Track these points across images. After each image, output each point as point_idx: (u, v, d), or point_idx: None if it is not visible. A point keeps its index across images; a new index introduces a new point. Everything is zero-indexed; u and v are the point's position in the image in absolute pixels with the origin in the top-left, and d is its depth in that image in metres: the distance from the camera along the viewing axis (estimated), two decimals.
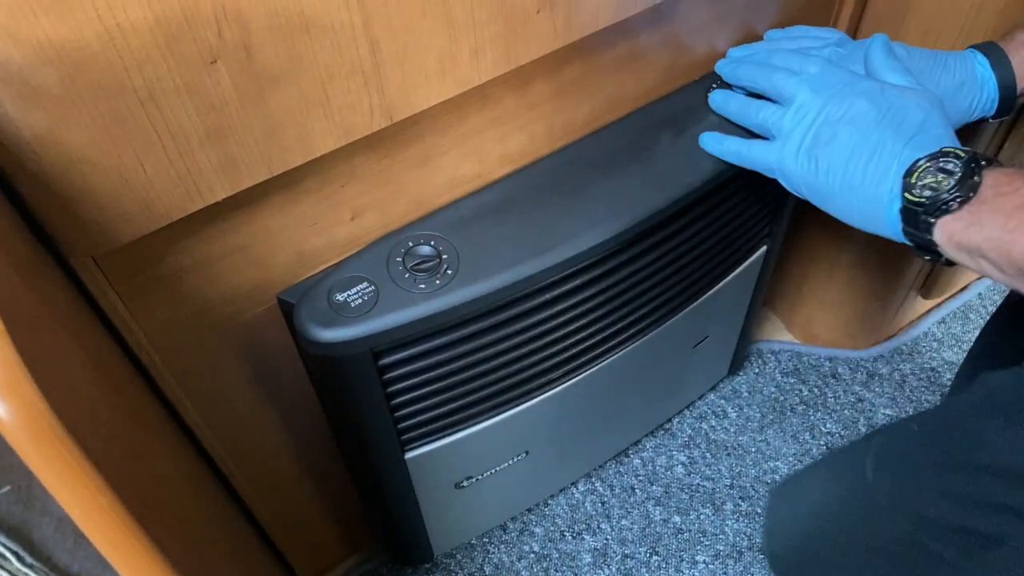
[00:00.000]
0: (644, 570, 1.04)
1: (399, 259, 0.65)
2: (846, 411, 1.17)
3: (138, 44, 0.42)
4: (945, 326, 1.25)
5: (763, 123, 0.67)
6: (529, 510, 1.09)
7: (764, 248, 0.93)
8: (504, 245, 0.66)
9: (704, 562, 1.05)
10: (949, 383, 1.20)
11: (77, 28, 0.40)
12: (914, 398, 1.18)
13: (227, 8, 0.44)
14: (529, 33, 0.58)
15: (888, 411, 1.17)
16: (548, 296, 0.70)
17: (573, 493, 1.10)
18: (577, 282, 0.71)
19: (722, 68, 0.74)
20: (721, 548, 1.05)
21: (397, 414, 0.73)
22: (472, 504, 0.95)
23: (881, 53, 0.67)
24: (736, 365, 1.17)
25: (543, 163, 0.71)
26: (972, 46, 0.70)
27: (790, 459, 1.12)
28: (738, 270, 0.91)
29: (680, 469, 1.12)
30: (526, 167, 0.70)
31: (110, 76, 0.43)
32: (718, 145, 0.71)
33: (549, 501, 1.09)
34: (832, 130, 0.62)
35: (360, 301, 0.63)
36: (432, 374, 0.70)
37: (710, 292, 0.89)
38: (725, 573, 1.04)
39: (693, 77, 0.77)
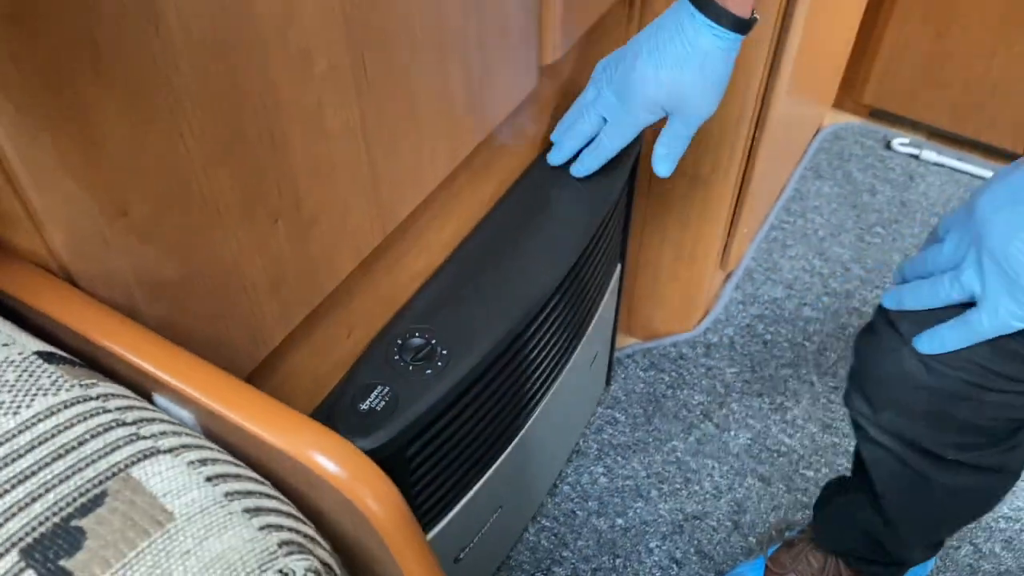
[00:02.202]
0: (615, 575, 1.11)
1: (397, 356, 0.69)
2: (703, 381, 1.32)
3: (232, 220, 0.46)
4: (740, 289, 1.46)
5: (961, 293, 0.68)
6: (498, 567, 1.13)
7: (619, 266, 1.06)
8: (476, 315, 0.73)
9: (657, 546, 1.14)
10: (763, 331, 1.39)
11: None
12: (746, 351, 1.36)
13: (283, 170, 0.49)
14: (463, 130, 0.66)
15: (732, 369, 1.34)
16: (515, 344, 0.78)
17: (527, 538, 1.15)
18: (532, 328, 0.79)
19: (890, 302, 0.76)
20: (664, 529, 1.16)
21: (419, 496, 0.76)
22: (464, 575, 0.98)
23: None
24: (609, 378, 1.29)
25: (471, 241, 0.78)
26: None
27: (680, 434, 1.25)
28: (608, 290, 1.03)
29: (603, 479, 1.21)
30: (460, 247, 0.77)
31: (218, 267, 0.46)
32: (939, 343, 0.71)
33: (511, 552, 1.14)
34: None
35: (383, 403, 0.67)
36: (447, 444, 0.75)
37: (597, 314, 1.00)
38: (677, 547, 1.14)
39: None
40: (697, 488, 1.21)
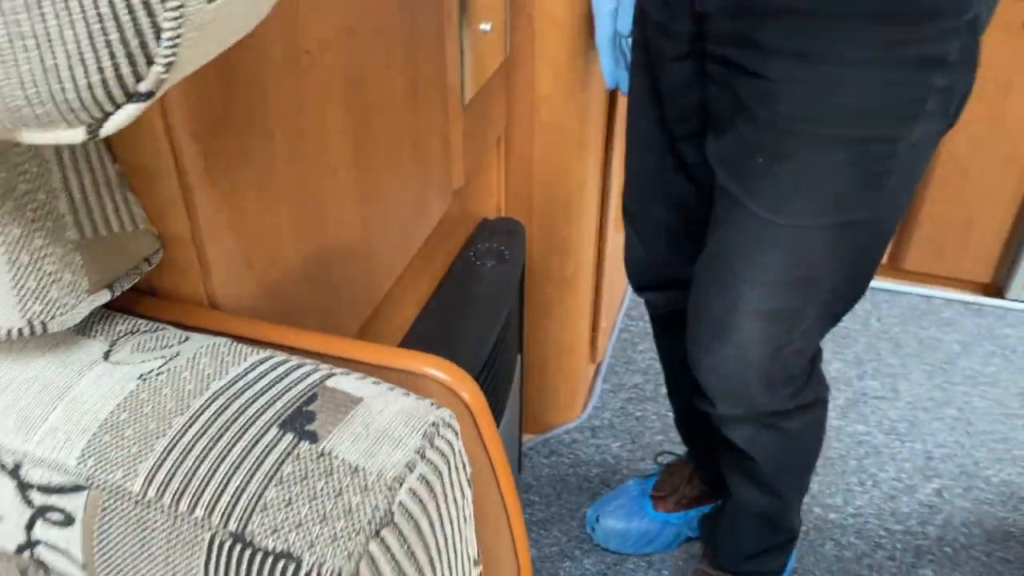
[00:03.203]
0: None
1: None
2: (596, 457, 1.51)
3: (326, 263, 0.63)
4: (607, 380, 1.68)
5: None
6: None
7: (519, 357, 1.25)
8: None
9: None
10: (633, 410, 1.61)
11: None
12: (624, 427, 1.57)
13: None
14: (434, 209, 0.85)
15: (616, 443, 1.53)
16: None
17: None
18: None
19: None
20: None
21: None
22: None
23: None
24: (520, 467, 1.45)
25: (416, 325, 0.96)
26: None
27: (587, 502, 1.42)
28: (514, 383, 1.22)
29: (533, 551, 1.35)
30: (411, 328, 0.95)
31: (319, 284, 0.62)
32: None
33: None
34: None
35: None
36: None
37: (507, 409, 1.19)
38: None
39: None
40: None
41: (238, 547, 0.40)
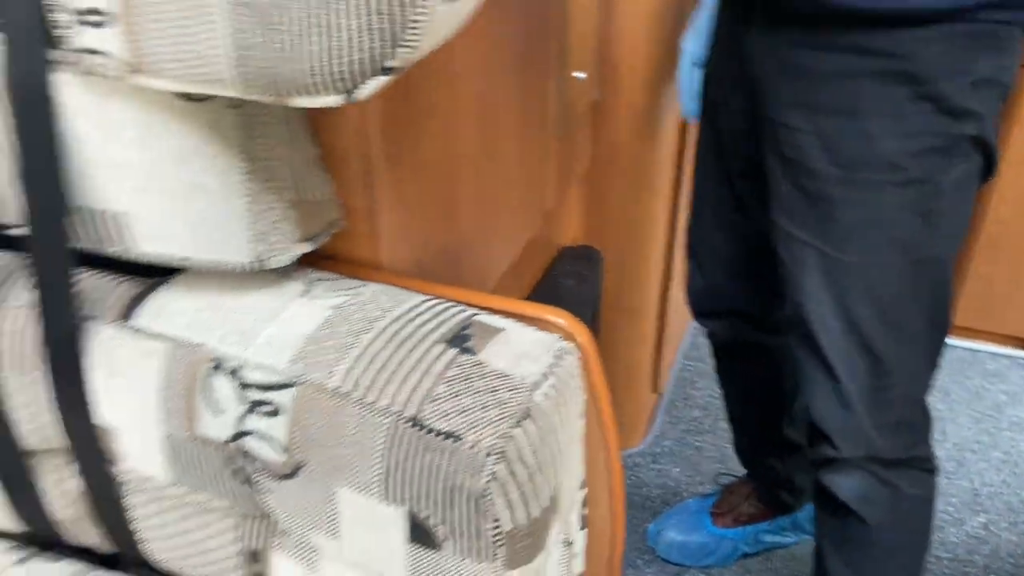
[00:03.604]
0: None
1: None
2: (656, 480, 1.59)
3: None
4: (667, 412, 1.76)
5: None
6: None
7: None
8: None
9: None
10: (692, 440, 1.69)
11: None
12: (683, 455, 1.65)
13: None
14: (529, 225, 0.97)
15: (676, 469, 1.61)
16: None
17: None
18: None
19: None
20: None
21: None
22: None
23: None
24: None
25: None
26: None
27: (649, 518, 1.50)
28: None
29: None
30: None
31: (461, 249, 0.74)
32: None
33: None
34: None
35: None
36: None
37: None
38: None
39: None
40: None
41: (414, 428, 0.52)
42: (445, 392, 0.52)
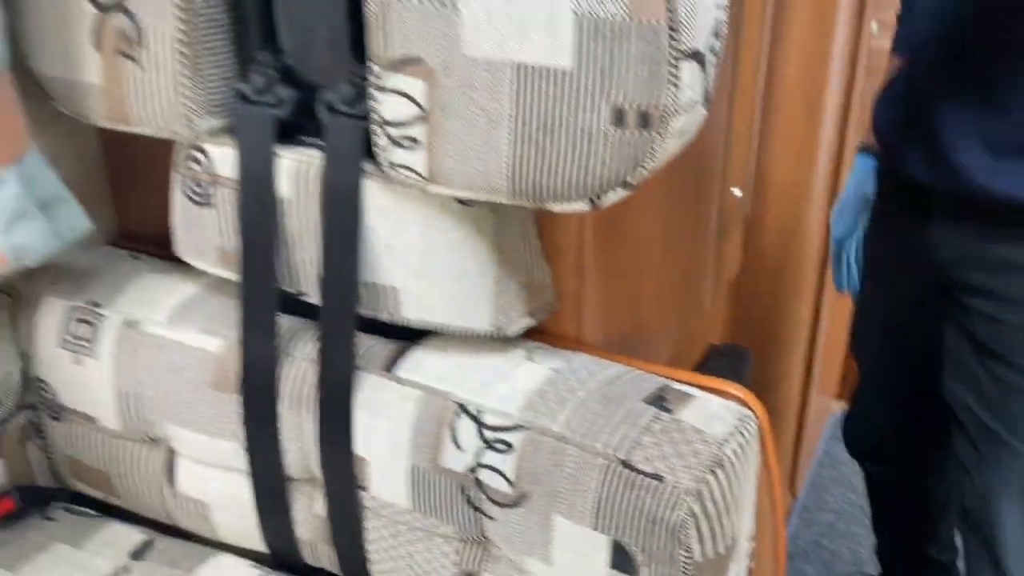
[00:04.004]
0: None
1: None
2: None
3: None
4: (801, 516, 1.79)
5: None
6: None
7: None
8: None
9: None
10: (827, 544, 1.71)
11: None
12: (817, 556, 1.66)
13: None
14: (689, 321, 1.09)
15: (810, 568, 1.63)
16: None
17: None
18: None
19: None
20: None
21: None
22: None
23: None
24: None
25: None
26: None
27: None
28: None
29: None
30: None
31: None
32: None
33: None
34: None
35: None
36: None
37: None
38: None
39: None
40: None
41: (624, 468, 0.63)
42: (650, 441, 0.64)
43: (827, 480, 1.89)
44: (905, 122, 0.96)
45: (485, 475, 0.69)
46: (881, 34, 1.37)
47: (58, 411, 0.90)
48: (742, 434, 0.65)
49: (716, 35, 0.58)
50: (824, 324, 1.53)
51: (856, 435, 1.25)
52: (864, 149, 1.15)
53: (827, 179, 1.34)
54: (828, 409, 2.10)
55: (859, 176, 1.14)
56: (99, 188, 0.96)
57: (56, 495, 0.96)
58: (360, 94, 0.67)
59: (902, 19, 1.08)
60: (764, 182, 1.32)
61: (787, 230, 1.35)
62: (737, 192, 1.19)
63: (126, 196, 0.98)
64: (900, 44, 1.08)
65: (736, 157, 1.16)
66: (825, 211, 1.35)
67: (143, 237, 0.96)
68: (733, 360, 1.32)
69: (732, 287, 1.39)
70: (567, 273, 0.76)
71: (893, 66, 1.05)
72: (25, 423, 0.93)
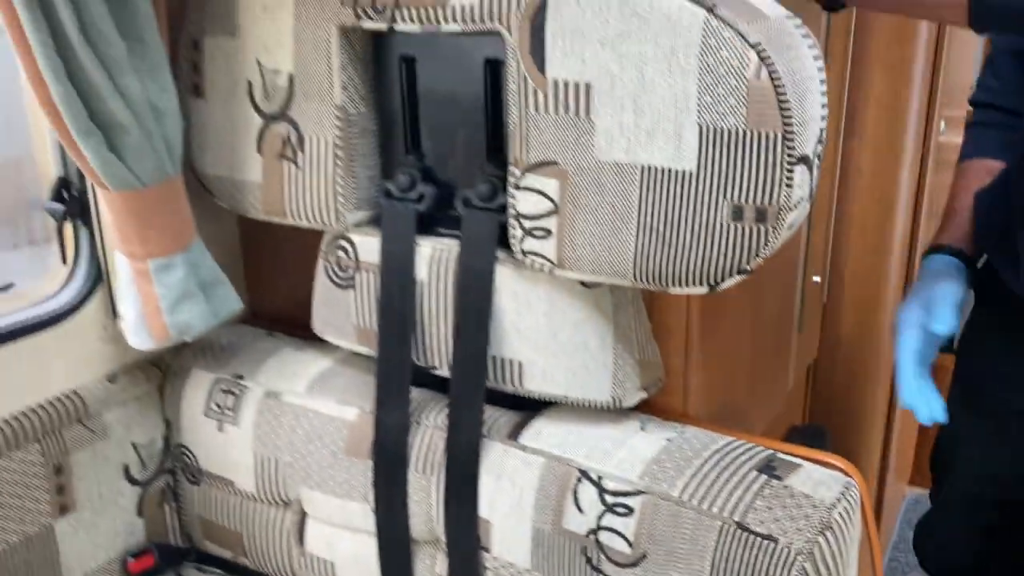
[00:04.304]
0: None
1: None
2: None
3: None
4: None
5: None
6: None
7: None
8: None
9: None
10: None
11: None
12: None
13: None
14: (774, 400, 1.14)
15: None
16: None
17: None
18: None
19: None
20: None
21: None
22: None
23: None
24: None
25: None
26: None
27: None
28: None
29: None
30: None
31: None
32: None
33: None
34: None
35: None
36: None
37: None
38: None
39: None
40: None
41: (739, 531, 0.69)
42: (763, 505, 0.69)
43: (903, 564, 1.88)
44: (1005, 228, 0.92)
45: (605, 537, 0.74)
46: (949, 131, 1.44)
47: (197, 475, 0.99)
48: (847, 500, 0.70)
49: (819, 141, 0.66)
50: (899, 409, 1.56)
51: (935, 554, 1.22)
52: (938, 249, 1.01)
53: (900, 267, 1.40)
54: (903, 493, 2.09)
55: (936, 277, 0.97)
56: (236, 271, 1.06)
57: (187, 554, 1.04)
58: (494, 190, 0.77)
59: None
60: (840, 270, 1.38)
61: (862, 316, 1.41)
62: (816, 279, 1.26)
63: (256, 278, 1.08)
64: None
65: (814, 246, 1.23)
66: (899, 297, 1.40)
67: (272, 315, 1.06)
68: (813, 440, 1.36)
69: (810, 370, 1.44)
70: (674, 352, 0.83)
71: (995, 168, 1.02)
72: (164, 486, 1.01)
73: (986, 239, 0.99)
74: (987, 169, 1.03)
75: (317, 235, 0.87)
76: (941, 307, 0.90)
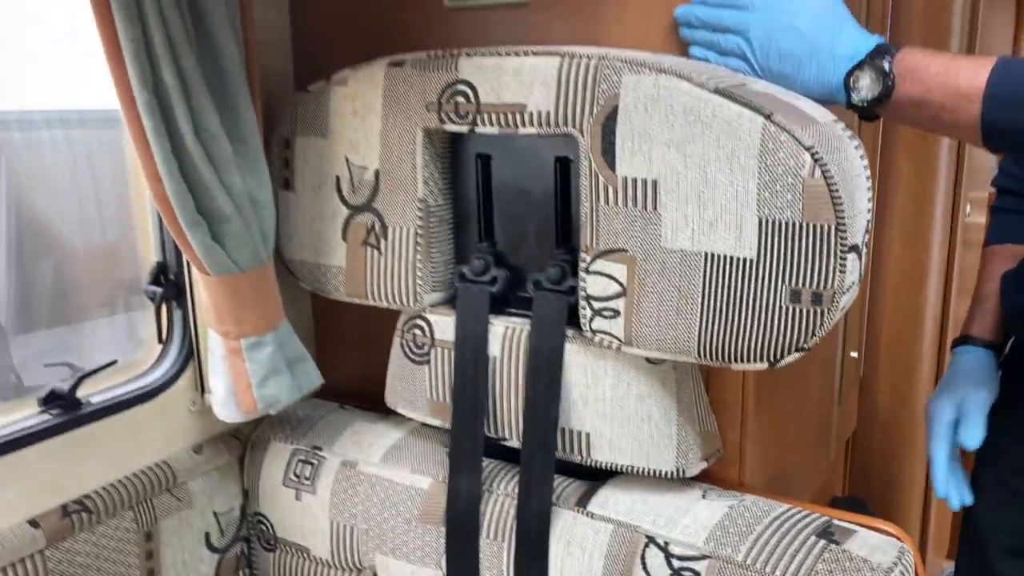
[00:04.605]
0: None
1: None
2: None
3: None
4: None
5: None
6: None
7: None
8: None
9: None
10: None
11: None
12: None
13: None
14: (819, 471, 1.18)
15: None
16: None
17: None
18: None
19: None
20: None
21: None
22: None
23: None
24: None
25: None
26: None
27: None
28: None
29: None
30: None
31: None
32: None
33: None
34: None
35: None
36: None
37: None
38: None
39: None
40: None
41: None
42: (823, 569, 0.74)
43: None
44: None
45: None
46: (974, 212, 1.51)
47: (273, 542, 1.04)
48: (903, 564, 0.74)
49: (867, 231, 0.73)
50: None
51: None
52: (967, 340, 1.06)
53: (933, 342, 1.45)
54: (941, 568, 2.09)
55: (967, 377, 1.02)
56: (309, 348, 1.13)
57: None
58: (563, 274, 0.84)
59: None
60: (876, 345, 1.43)
61: (898, 389, 1.45)
62: (854, 355, 1.31)
63: (327, 355, 1.15)
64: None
65: (852, 322, 1.29)
66: (934, 371, 1.45)
67: (341, 390, 1.12)
68: (855, 511, 1.39)
69: (849, 443, 1.48)
70: (731, 424, 0.89)
71: (1020, 252, 1.07)
72: (239, 553, 1.06)
73: (1014, 320, 1.03)
74: (1012, 254, 1.08)
75: (383, 314, 0.94)
76: (972, 420, 0.96)
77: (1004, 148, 0.78)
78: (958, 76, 0.70)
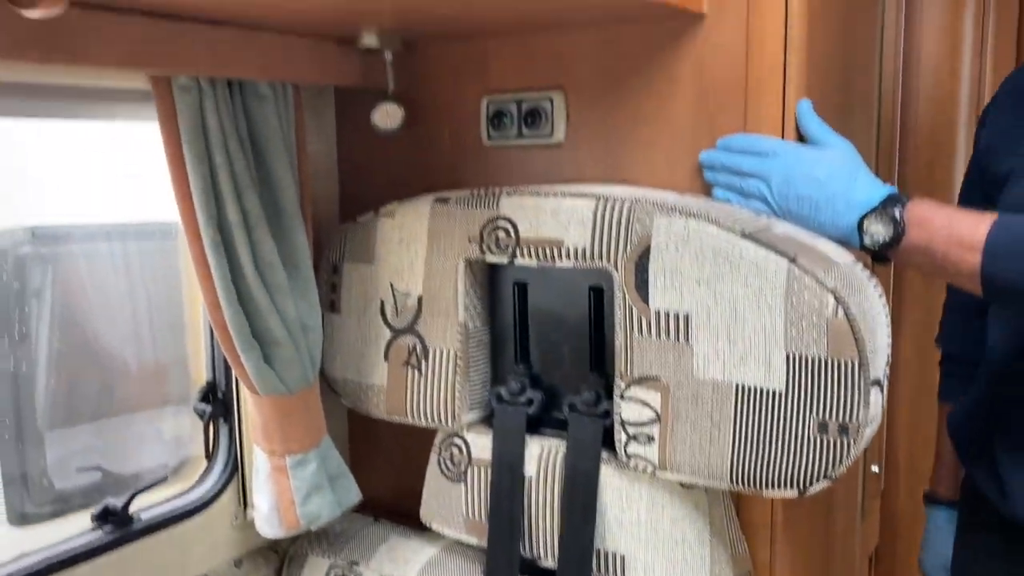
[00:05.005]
0: None
1: None
2: None
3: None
4: None
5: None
6: None
7: None
8: None
9: None
10: None
11: None
12: None
13: None
14: None
15: None
16: None
17: None
18: None
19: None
20: None
21: None
22: None
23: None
24: None
25: None
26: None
27: None
28: None
29: None
30: None
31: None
32: None
33: None
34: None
35: None
36: None
37: None
38: None
39: None
40: None
41: None
42: None
43: None
44: (986, 453, 1.00)
45: None
46: None
47: None
48: None
49: (887, 364, 0.76)
50: None
51: None
52: (934, 499, 1.19)
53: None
54: None
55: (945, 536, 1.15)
56: (345, 461, 1.16)
57: None
58: (598, 398, 0.87)
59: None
60: (895, 459, 1.45)
61: (919, 501, 1.46)
62: (875, 468, 1.33)
63: (361, 471, 1.18)
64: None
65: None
66: None
67: (375, 505, 1.14)
68: None
69: (872, 559, 1.48)
70: (761, 546, 0.91)
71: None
72: None
73: (969, 463, 1.06)
74: None
75: (417, 430, 0.98)
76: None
77: (1003, 299, 0.83)
78: (960, 227, 0.75)
